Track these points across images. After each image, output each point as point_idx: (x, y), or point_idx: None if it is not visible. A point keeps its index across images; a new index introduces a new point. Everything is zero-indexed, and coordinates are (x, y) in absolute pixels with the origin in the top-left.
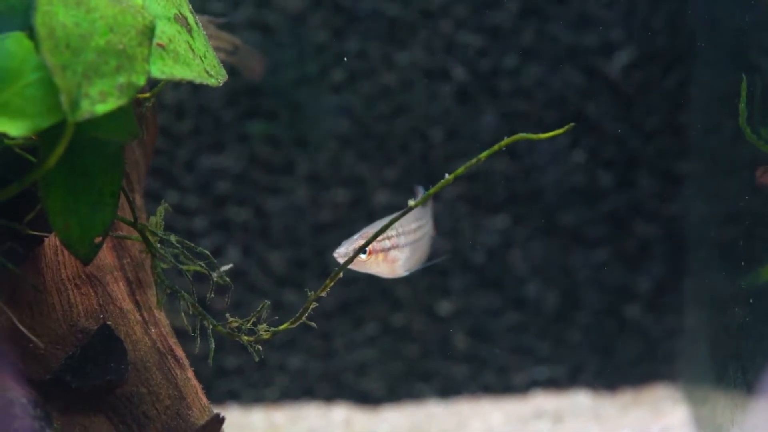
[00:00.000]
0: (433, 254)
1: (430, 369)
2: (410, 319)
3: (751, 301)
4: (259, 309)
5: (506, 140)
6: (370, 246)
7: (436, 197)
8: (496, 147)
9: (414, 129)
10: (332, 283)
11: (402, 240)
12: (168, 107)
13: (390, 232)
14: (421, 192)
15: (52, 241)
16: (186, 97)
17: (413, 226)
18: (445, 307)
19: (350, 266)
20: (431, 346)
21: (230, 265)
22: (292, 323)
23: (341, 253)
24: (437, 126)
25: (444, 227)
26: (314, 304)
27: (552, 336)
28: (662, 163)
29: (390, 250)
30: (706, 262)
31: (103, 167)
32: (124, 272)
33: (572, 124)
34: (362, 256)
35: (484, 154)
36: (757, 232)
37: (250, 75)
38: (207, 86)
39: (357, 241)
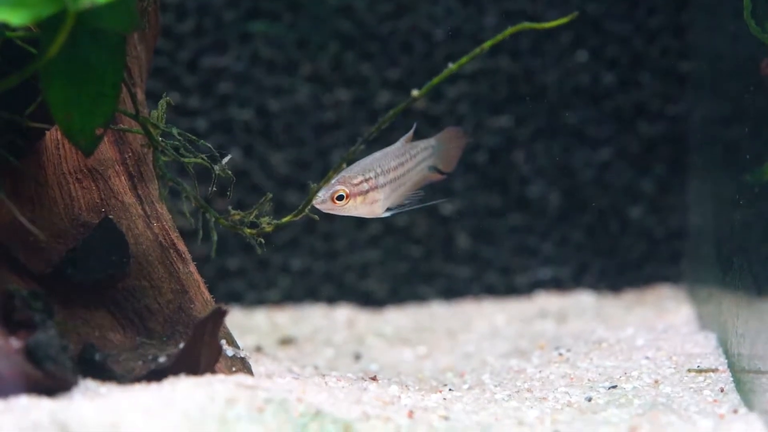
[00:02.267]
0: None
1: (433, 270)
2: (413, 220)
3: (756, 194)
4: (261, 201)
5: (510, 30)
6: (347, 190)
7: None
8: (499, 36)
9: (416, 29)
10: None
11: (381, 180)
12: (170, 7)
13: (368, 173)
14: (413, 128)
15: (53, 135)
16: None
17: (393, 164)
18: (447, 207)
19: (330, 211)
20: (434, 247)
21: (230, 156)
22: (295, 215)
23: (318, 200)
24: (439, 26)
25: (446, 126)
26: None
27: (555, 237)
28: (665, 63)
29: (368, 192)
30: (710, 162)
31: (105, 59)
32: (125, 166)
33: (576, 13)
34: (340, 202)
35: (487, 44)
36: (760, 129)
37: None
38: None
39: (335, 186)
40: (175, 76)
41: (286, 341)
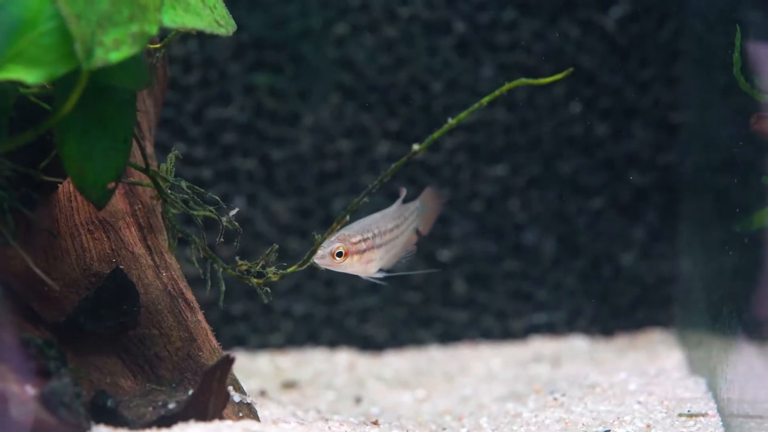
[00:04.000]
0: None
1: (431, 315)
2: (411, 266)
3: (745, 244)
4: (267, 252)
5: (507, 85)
6: (346, 248)
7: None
8: (497, 92)
9: (415, 80)
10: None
11: (377, 241)
12: (176, 60)
13: (367, 233)
14: (404, 193)
15: (65, 187)
16: (193, 49)
17: (390, 226)
18: (445, 254)
19: (327, 266)
20: (432, 293)
21: (237, 209)
22: (300, 265)
23: (318, 256)
24: (438, 78)
25: (444, 176)
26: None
27: (550, 282)
28: (657, 114)
29: (365, 251)
30: (700, 210)
31: (117, 114)
32: (135, 218)
33: (571, 69)
34: (338, 259)
35: (485, 99)
36: (749, 179)
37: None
38: (214, 39)
39: (335, 243)
40: (181, 126)
41: (288, 385)
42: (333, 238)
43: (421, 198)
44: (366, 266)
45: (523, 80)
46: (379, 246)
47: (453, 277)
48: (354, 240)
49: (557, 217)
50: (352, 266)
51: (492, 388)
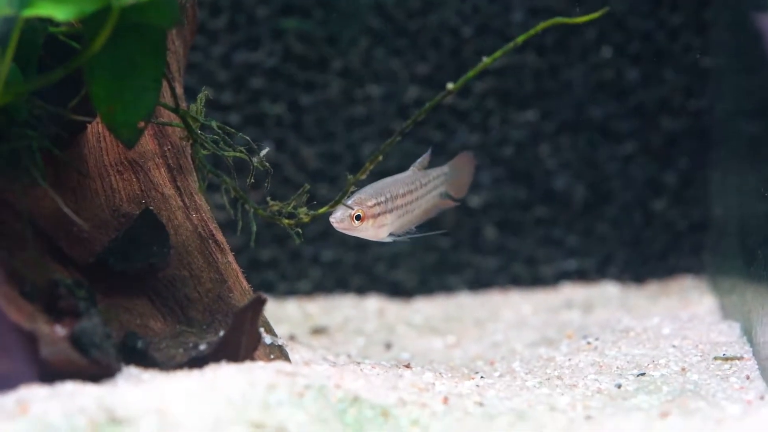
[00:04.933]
0: (436, 221)
1: (461, 261)
2: (441, 212)
3: None
4: (298, 193)
5: (542, 24)
6: (363, 212)
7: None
8: (532, 31)
9: (445, 25)
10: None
11: (389, 205)
12: (204, 3)
13: (380, 197)
14: (427, 159)
15: (94, 128)
16: None
17: (402, 191)
18: (475, 200)
19: (344, 230)
20: (462, 239)
21: (267, 149)
22: (332, 206)
23: (337, 218)
24: (468, 22)
25: (474, 121)
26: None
27: (580, 229)
28: (688, 59)
29: (379, 216)
30: (733, 155)
31: (147, 53)
32: (165, 159)
33: (606, 8)
34: (356, 222)
35: (521, 38)
36: None
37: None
38: None
39: (353, 206)
40: (209, 71)
41: (318, 331)
42: (350, 201)
43: (451, 164)
44: (378, 230)
45: (558, 19)
46: (391, 210)
47: (483, 223)
48: (369, 203)
49: (588, 162)
50: (366, 230)
51: (523, 334)
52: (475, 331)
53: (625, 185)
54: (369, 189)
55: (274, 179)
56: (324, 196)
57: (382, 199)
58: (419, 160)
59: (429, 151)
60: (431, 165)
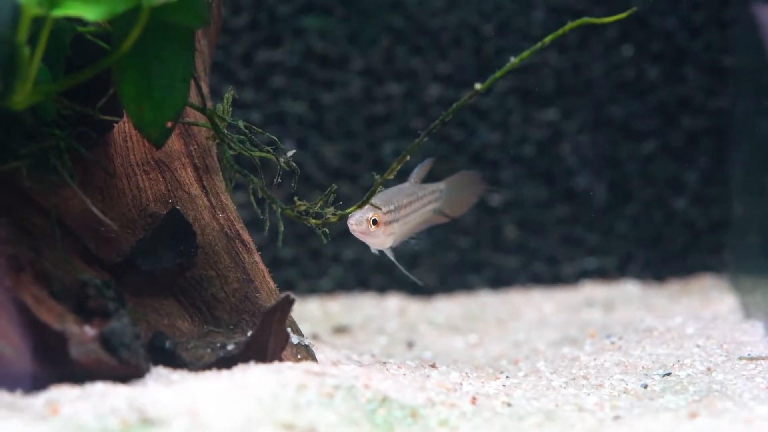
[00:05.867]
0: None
1: (482, 260)
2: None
3: None
4: (326, 192)
5: (569, 24)
6: (380, 218)
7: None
8: (560, 31)
9: (466, 23)
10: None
11: (396, 215)
12: (226, 2)
13: (391, 206)
14: (426, 167)
15: (120, 127)
16: None
17: (405, 201)
18: (496, 198)
19: (360, 233)
20: (482, 238)
21: (294, 150)
22: (359, 206)
23: (355, 221)
24: (489, 21)
25: (495, 119)
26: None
27: (601, 227)
28: (709, 58)
29: (390, 223)
30: (754, 154)
31: (175, 52)
32: (191, 158)
33: (634, 9)
34: (373, 227)
35: (548, 38)
36: None
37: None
38: None
39: (370, 211)
40: (230, 69)
41: (339, 329)
42: (366, 207)
43: (449, 181)
44: (386, 238)
45: (586, 19)
46: (397, 220)
47: (504, 222)
48: (384, 210)
49: (609, 161)
50: (378, 236)
51: (545, 333)
52: (497, 330)
53: (646, 184)
54: (381, 196)
55: (293, 178)
56: (345, 195)
57: (392, 207)
58: (416, 171)
59: (425, 162)
60: (439, 171)
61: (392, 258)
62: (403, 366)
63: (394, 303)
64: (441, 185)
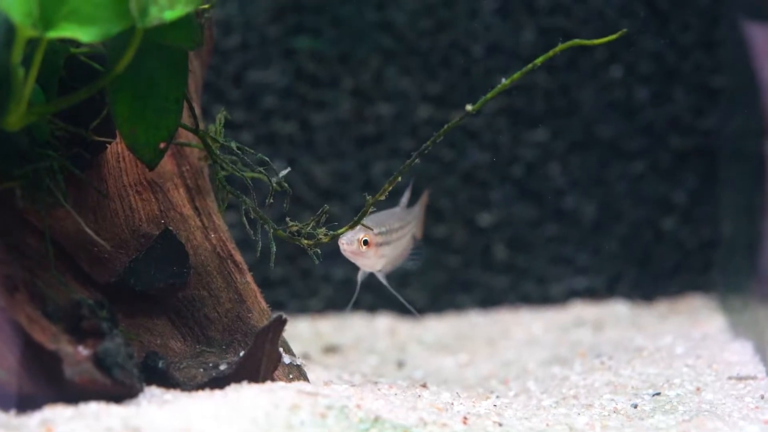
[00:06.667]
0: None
1: (471, 280)
2: (452, 231)
3: None
4: (319, 213)
5: (561, 46)
6: (371, 239)
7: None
8: (551, 53)
9: (456, 44)
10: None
11: (387, 238)
12: (216, 22)
13: (382, 228)
14: (409, 189)
15: (113, 148)
16: (233, 12)
17: (396, 225)
18: (485, 218)
19: (350, 253)
20: (472, 258)
21: (288, 169)
22: (350, 226)
23: (346, 241)
24: (478, 41)
25: (484, 140)
26: (372, 208)
27: (590, 247)
28: (697, 78)
29: (381, 246)
30: (742, 174)
31: (169, 74)
32: (183, 179)
33: (625, 30)
34: (364, 247)
35: (539, 59)
36: None
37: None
38: (254, 1)
39: (360, 232)
40: (221, 90)
41: (330, 349)
42: (358, 227)
43: (419, 202)
44: (377, 261)
45: (577, 41)
46: (389, 243)
47: (493, 242)
48: (376, 232)
49: (597, 181)
50: (369, 258)
51: (534, 353)
52: (487, 349)
53: (635, 204)
54: (373, 218)
55: (285, 198)
56: (335, 215)
57: (384, 230)
58: (405, 196)
59: (410, 185)
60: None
61: (384, 281)
62: (394, 386)
63: (384, 323)
64: (416, 208)
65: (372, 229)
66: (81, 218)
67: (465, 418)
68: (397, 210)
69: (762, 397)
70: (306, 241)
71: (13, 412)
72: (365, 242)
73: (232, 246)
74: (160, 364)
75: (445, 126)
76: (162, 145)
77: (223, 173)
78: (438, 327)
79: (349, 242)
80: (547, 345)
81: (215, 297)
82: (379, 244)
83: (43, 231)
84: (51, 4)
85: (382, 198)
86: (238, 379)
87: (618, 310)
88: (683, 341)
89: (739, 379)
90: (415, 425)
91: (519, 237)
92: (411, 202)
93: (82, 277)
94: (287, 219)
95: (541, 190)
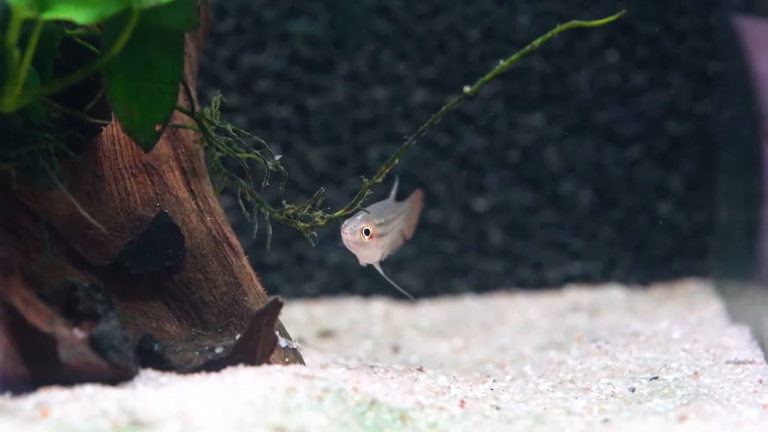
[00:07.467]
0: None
1: (467, 265)
2: (447, 216)
3: None
4: (315, 195)
5: (558, 27)
6: (372, 229)
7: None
8: (549, 34)
9: (451, 29)
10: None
11: (385, 229)
12: (210, 6)
13: (381, 219)
14: (397, 182)
15: (108, 130)
16: None
17: (390, 216)
18: (481, 203)
19: (353, 243)
20: (467, 243)
21: (281, 156)
22: (347, 209)
23: (350, 230)
24: (474, 26)
25: (480, 124)
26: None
27: (586, 232)
28: (694, 63)
29: (381, 236)
30: (738, 159)
31: (165, 56)
32: (178, 162)
33: (623, 11)
34: (365, 237)
35: (537, 41)
36: None
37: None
38: None
39: (363, 222)
40: (215, 74)
41: (325, 334)
42: (358, 218)
43: (409, 200)
44: (376, 251)
45: (574, 23)
46: (386, 234)
47: (489, 227)
48: (376, 222)
49: (594, 166)
50: (369, 248)
51: (530, 338)
52: (482, 334)
53: (631, 189)
54: (371, 209)
55: (280, 181)
56: (330, 199)
57: (383, 221)
58: (395, 188)
59: (397, 180)
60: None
61: (380, 271)
62: (391, 370)
63: (379, 307)
64: (406, 204)
65: (374, 220)
66: (76, 201)
67: (462, 401)
68: (388, 201)
69: (760, 381)
70: (302, 224)
71: (8, 395)
72: (366, 232)
73: (227, 229)
74: (156, 347)
75: (443, 108)
76: (158, 128)
77: (219, 155)
78: (433, 312)
79: (352, 232)
80: (543, 330)
81: (211, 280)
82: (380, 235)
83: (39, 214)
84: None
85: (379, 180)
86: (235, 362)
87: (614, 295)
88: (680, 326)
89: (737, 363)
90: (412, 408)
91: (515, 222)
92: (398, 199)
93: (78, 260)
94: (283, 202)
95: (536, 175)
